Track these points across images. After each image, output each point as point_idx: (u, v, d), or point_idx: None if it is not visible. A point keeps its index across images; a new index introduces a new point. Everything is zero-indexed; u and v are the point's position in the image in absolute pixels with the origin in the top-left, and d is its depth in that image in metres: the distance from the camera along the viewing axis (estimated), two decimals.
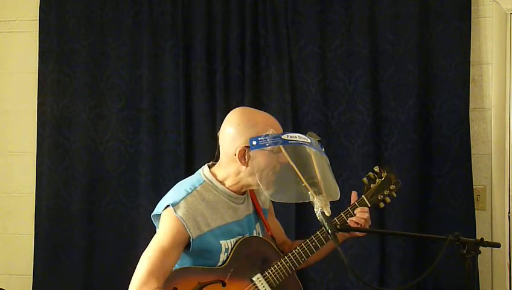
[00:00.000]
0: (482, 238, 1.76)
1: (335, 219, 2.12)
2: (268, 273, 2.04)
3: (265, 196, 2.05)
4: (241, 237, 2.04)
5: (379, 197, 2.19)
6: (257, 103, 2.97)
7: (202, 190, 1.99)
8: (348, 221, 2.13)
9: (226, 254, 2.00)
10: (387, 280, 2.95)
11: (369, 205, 2.17)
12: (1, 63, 3.35)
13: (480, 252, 1.74)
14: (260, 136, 1.89)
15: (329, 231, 1.72)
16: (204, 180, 2.01)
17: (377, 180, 2.21)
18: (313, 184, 1.79)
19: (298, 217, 2.96)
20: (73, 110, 3.20)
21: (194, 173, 2.09)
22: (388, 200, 2.21)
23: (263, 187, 1.87)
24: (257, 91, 3.05)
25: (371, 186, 2.20)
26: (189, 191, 1.97)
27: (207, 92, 3.07)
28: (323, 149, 1.94)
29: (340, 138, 2.99)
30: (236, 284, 2.00)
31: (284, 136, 1.87)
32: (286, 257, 2.08)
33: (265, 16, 3.03)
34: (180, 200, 1.94)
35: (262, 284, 2.03)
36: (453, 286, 2.83)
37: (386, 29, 2.96)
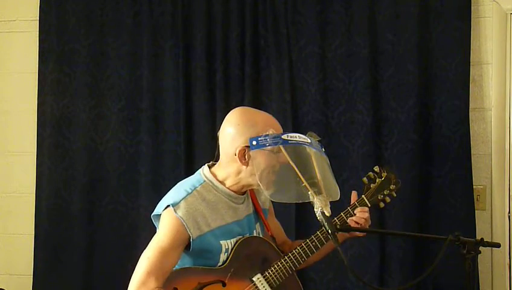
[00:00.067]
0: (482, 238, 1.76)
1: (335, 218, 2.12)
2: (269, 273, 2.04)
3: (266, 196, 2.05)
4: (241, 237, 2.04)
5: (379, 197, 2.19)
6: (257, 103, 2.97)
7: (202, 190, 1.99)
8: (348, 221, 2.13)
9: (226, 254, 2.00)
10: (387, 280, 2.95)
11: (369, 205, 2.17)
12: (1, 63, 3.35)
13: (480, 252, 1.74)
14: (260, 136, 1.89)
15: (329, 231, 1.72)
16: (205, 180, 2.01)
17: (377, 180, 2.21)
18: (313, 184, 1.79)
19: (298, 217, 2.96)
20: (73, 110, 3.20)
21: (194, 173, 2.09)
22: (388, 200, 2.21)
23: (263, 187, 1.87)
24: (257, 91, 3.05)
25: (371, 186, 2.20)
26: (189, 191, 1.97)
27: (207, 92, 3.07)
28: (323, 149, 1.94)
29: (340, 138, 2.99)
30: (236, 284, 2.00)
31: (284, 136, 1.87)
32: (286, 257, 2.08)
33: (265, 16, 3.03)
34: (180, 201, 1.94)
35: (262, 284, 2.03)
36: (453, 286, 2.83)
37: (386, 29, 2.96)
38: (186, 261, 2.00)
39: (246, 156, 1.93)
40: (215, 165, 2.05)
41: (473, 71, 2.92)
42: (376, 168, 2.22)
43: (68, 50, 3.20)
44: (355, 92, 2.97)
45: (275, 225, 2.26)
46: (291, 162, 1.83)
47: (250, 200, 2.11)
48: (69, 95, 3.21)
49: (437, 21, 2.92)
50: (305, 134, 1.92)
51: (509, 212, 2.94)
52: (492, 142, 2.94)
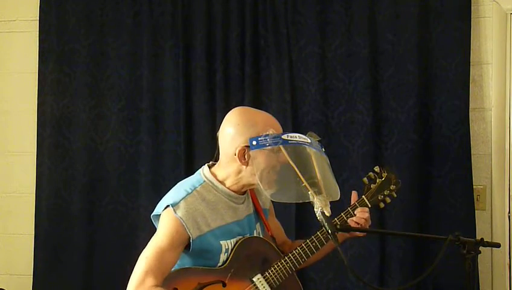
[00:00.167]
0: (482, 238, 1.76)
1: (335, 219, 2.12)
2: (269, 273, 2.04)
3: (266, 196, 2.05)
4: (241, 237, 2.03)
5: (379, 198, 2.19)
6: (257, 103, 2.97)
7: (202, 190, 1.99)
8: (348, 221, 2.13)
9: (226, 254, 2.00)
10: (387, 280, 2.95)
11: (370, 205, 2.16)
12: (1, 63, 3.35)
13: (480, 252, 1.74)
14: (260, 136, 1.89)
15: (329, 231, 1.72)
16: (204, 181, 2.01)
17: (377, 181, 2.20)
18: (313, 184, 1.79)
19: (298, 217, 2.96)
20: (73, 110, 3.20)
21: (194, 173, 2.09)
22: (388, 200, 2.21)
23: (263, 187, 1.87)
24: (257, 91, 3.05)
25: (371, 186, 2.20)
26: (189, 191, 1.97)
27: (207, 92, 3.07)
28: (323, 149, 1.94)
29: (340, 138, 2.99)
30: (236, 285, 2.00)
31: (284, 136, 1.87)
32: (286, 258, 2.07)
33: (265, 16, 3.03)
34: (180, 201, 1.94)
35: (262, 284, 2.02)
36: (453, 286, 2.83)
37: (386, 29, 2.96)
38: (186, 262, 2.00)
39: (246, 156, 1.93)
40: (215, 165, 2.05)
41: (473, 71, 2.92)
42: (376, 169, 2.22)
43: (68, 50, 3.20)
44: (355, 92, 2.97)
45: (275, 225, 2.26)
46: (291, 162, 1.83)
47: (250, 200, 2.11)
48: (69, 95, 3.21)
49: (437, 21, 2.92)
50: (305, 134, 1.92)
51: (509, 212, 2.94)
52: (492, 142, 2.94)
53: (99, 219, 3.17)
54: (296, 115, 3.02)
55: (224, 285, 1.97)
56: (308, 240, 2.11)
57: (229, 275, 1.98)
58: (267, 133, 1.90)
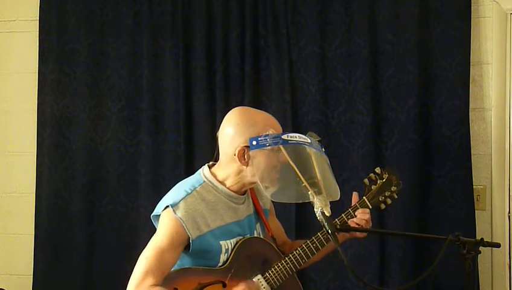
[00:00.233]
0: (482, 238, 1.75)
1: (336, 220, 2.11)
2: (269, 274, 2.04)
3: (266, 196, 2.05)
4: (241, 237, 2.03)
5: (380, 199, 2.19)
6: (257, 103, 2.97)
7: (202, 191, 1.98)
8: (348, 222, 2.13)
9: (226, 254, 2.00)
10: (387, 280, 2.95)
11: (370, 207, 2.16)
12: (1, 63, 3.35)
13: (480, 252, 1.74)
14: (260, 136, 1.89)
15: (329, 231, 1.72)
16: (204, 181, 2.01)
17: (378, 182, 2.20)
18: (313, 184, 1.79)
19: (298, 217, 2.96)
20: (73, 110, 3.20)
21: (194, 173, 2.08)
22: (389, 201, 2.20)
23: (263, 187, 1.87)
24: (257, 91, 3.05)
25: (372, 187, 2.19)
26: (189, 191, 1.97)
27: (207, 92, 3.07)
28: (323, 149, 1.94)
29: (340, 138, 2.99)
30: (236, 285, 1.99)
31: (284, 136, 1.87)
32: (287, 258, 2.07)
33: (265, 16, 3.03)
34: (180, 201, 1.94)
35: (262, 285, 2.02)
36: (453, 286, 2.83)
37: (386, 29, 2.96)
38: (186, 262, 2.00)
39: (246, 156, 1.92)
40: (215, 166, 2.05)
41: (473, 71, 2.92)
42: (377, 170, 2.22)
43: (68, 50, 3.20)
44: (355, 92, 2.97)
45: (276, 226, 2.26)
46: (291, 162, 1.83)
47: (250, 200, 2.11)
48: (69, 95, 3.20)
49: (437, 21, 2.92)
50: (305, 134, 1.92)
51: (509, 212, 2.94)
52: (492, 142, 2.94)
53: (99, 219, 3.17)
54: (296, 115, 3.02)
55: (224, 285, 1.97)
56: (308, 241, 2.10)
57: (229, 275, 1.98)
58: (267, 133, 1.90)
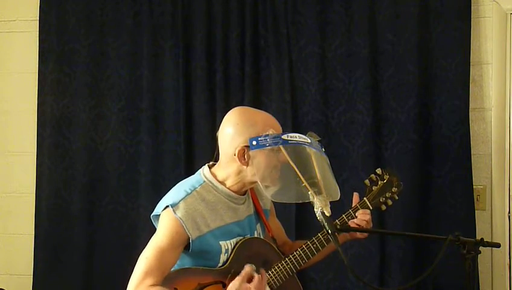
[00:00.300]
0: (482, 238, 1.75)
1: (336, 220, 2.11)
2: (269, 274, 2.04)
3: (267, 197, 2.04)
4: (241, 238, 2.03)
5: (381, 200, 2.19)
6: (257, 103, 2.97)
7: (202, 191, 1.98)
8: (349, 223, 2.13)
9: (226, 255, 2.00)
10: (387, 280, 2.95)
11: (371, 208, 2.16)
12: (1, 63, 3.35)
13: (480, 252, 1.74)
14: (260, 136, 1.89)
15: (329, 231, 1.72)
16: (204, 181, 2.01)
17: (379, 183, 2.20)
18: (313, 184, 1.79)
19: (298, 217, 2.96)
20: (73, 110, 3.20)
21: (194, 173, 2.08)
22: (390, 202, 2.20)
23: (263, 187, 1.87)
24: (257, 91, 3.05)
25: (373, 188, 2.19)
26: (189, 191, 1.97)
27: (207, 92, 3.07)
28: (323, 149, 1.94)
29: (340, 138, 2.99)
30: None
31: (284, 136, 1.87)
32: (287, 259, 2.07)
33: (265, 16, 3.03)
34: (180, 201, 1.94)
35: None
36: (453, 286, 2.83)
37: (386, 29, 2.96)
38: (186, 262, 2.00)
39: (246, 156, 1.92)
40: (215, 166, 2.05)
41: (473, 71, 2.92)
42: (378, 171, 2.22)
43: (68, 50, 3.20)
44: (355, 92, 2.97)
45: (276, 226, 2.26)
46: (291, 162, 1.83)
47: (251, 200, 2.11)
48: (69, 95, 3.21)
49: (437, 21, 2.92)
50: (305, 134, 1.92)
51: (509, 212, 2.94)
52: (492, 142, 2.94)
53: (99, 219, 3.17)
54: (296, 115, 3.02)
55: (224, 286, 1.97)
56: (309, 242, 2.10)
57: (229, 275, 1.98)
58: (267, 133, 1.90)
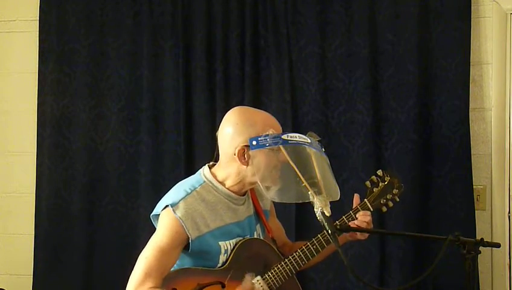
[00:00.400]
0: (482, 238, 1.75)
1: (336, 221, 2.11)
2: (268, 275, 2.04)
3: (267, 197, 2.04)
4: (241, 238, 2.03)
5: (382, 202, 2.18)
6: (257, 103, 2.97)
7: (202, 191, 1.98)
8: (349, 224, 2.12)
9: (225, 255, 2.00)
10: (387, 280, 2.95)
11: (372, 209, 2.15)
12: (1, 63, 3.35)
13: (480, 252, 1.74)
14: (260, 136, 1.89)
15: (329, 231, 1.72)
16: (204, 181, 2.01)
17: (380, 184, 2.19)
18: (313, 184, 1.78)
19: (298, 218, 2.96)
20: (73, 110, 3.20)
21: (194, 173, 2.08)
22: (391, 204, 2.20)
23: (263, 187, 1.87)
24: (257, 91, 3.05)
25: (374, 190, 2.18)
26: (189, 191, 1.97)
27: (207, 92, 3.07)
28: (323, 149, 1.94)
29: (340, 138, 2.99)
30: (235, 286, 1.99)
31: (284, 136, 1.87)
32: (286, 260, 2.07)
33: (265, 16, 3.03)
34: (180, 201, 1.94)
35: (262, 286, 2.01)
36: (453, 286, 2.83)
37: (386, 29, 2.96)
38: (185, 262, 2.00)
39: (246, 156, 1.92)
40: (215, 166, 2.05)
41: (473, 71, 2.92)
42: (379, 172, 2.21)
43: (68, 50, 3.20)
44: (355, 92, 2.97)
45: (276, 226, 2.25)
46: (291, 162, 1.83)
47: (251, 201, 2.11)
48: (69, 95, 3.21)
49: (437, 21, 2.92)
50: (305, 134, 1.92)
51: (509, 212, 2.94)
52: (492, 142, 2.94)
53: (99, 219, 3.17)
54: (296, 115, 3.02)
55: (223, 286, 1.97)
56: (309, 243, 2.09)
57: (229, 276, 1.98)
58: (267, 133, 1.90)
